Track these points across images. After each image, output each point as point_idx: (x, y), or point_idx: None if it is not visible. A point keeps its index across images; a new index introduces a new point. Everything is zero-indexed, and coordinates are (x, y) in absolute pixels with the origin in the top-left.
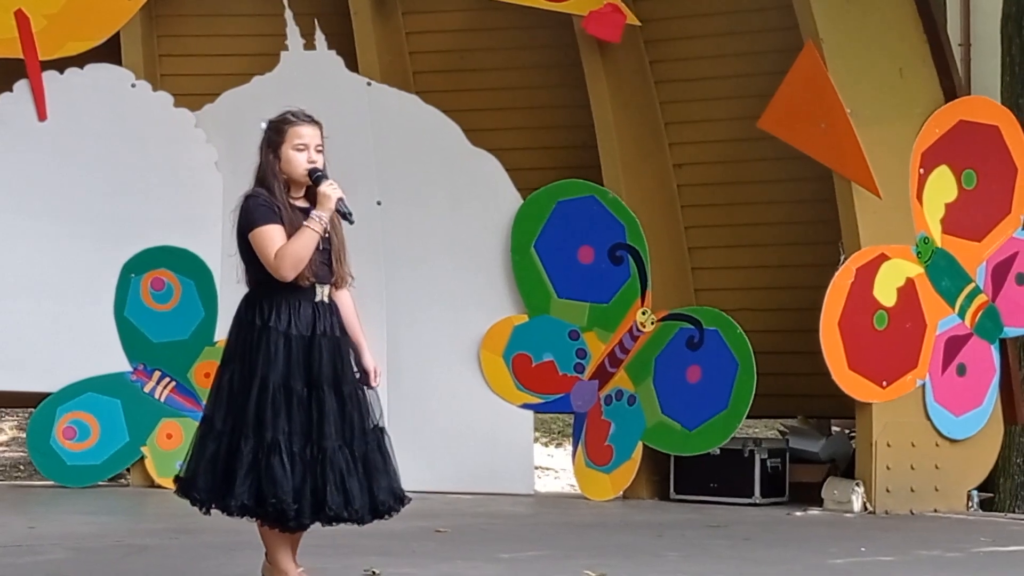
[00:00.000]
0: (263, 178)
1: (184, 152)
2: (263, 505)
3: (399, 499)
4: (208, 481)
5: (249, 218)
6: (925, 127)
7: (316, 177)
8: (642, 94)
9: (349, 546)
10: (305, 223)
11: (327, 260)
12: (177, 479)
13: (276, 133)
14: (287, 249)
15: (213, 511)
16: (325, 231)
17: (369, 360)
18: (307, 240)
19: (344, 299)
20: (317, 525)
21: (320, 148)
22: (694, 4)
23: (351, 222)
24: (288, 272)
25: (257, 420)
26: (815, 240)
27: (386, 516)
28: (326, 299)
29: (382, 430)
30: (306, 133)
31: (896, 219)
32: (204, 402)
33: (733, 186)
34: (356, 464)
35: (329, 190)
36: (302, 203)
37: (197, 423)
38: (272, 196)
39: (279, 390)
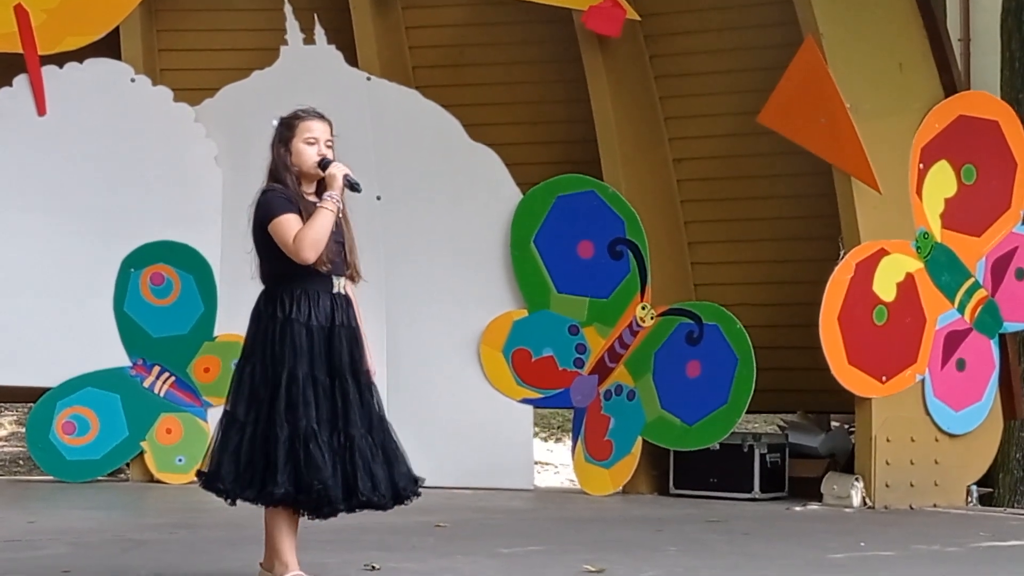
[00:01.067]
0: (275, 173)
1: (183, 147)
2: (305, 491)
3: (415, 482)
4: (233, 472)
5: (267, 209)
6: (925, 122)
7: (325, 164)
8: (642, 89)
9: (349, 541)
10: (319, 204)
11: (342, 252)
12: (200, 473)
13: (287, 128)
14: (305, 231)
15: (240, 502)
16: (339, 211)
17: (368, 358)
18: (324, 220)
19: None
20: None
21: (330, 143)
22: None
23: (359, 190)
24: (309, 253)
25: (289, 410)
26: (815, 235)
27: (406, 501)
28: (343, 290)
29: (385, 420)
30: (316, 128)
31: (896, 214)
32: (204, 397)
33: (733, 181)
34: (377, 451)
35: (335, 170)
36: (313, 198)
37: (198, 418)
38: (287, 189)
39: (307, 380)
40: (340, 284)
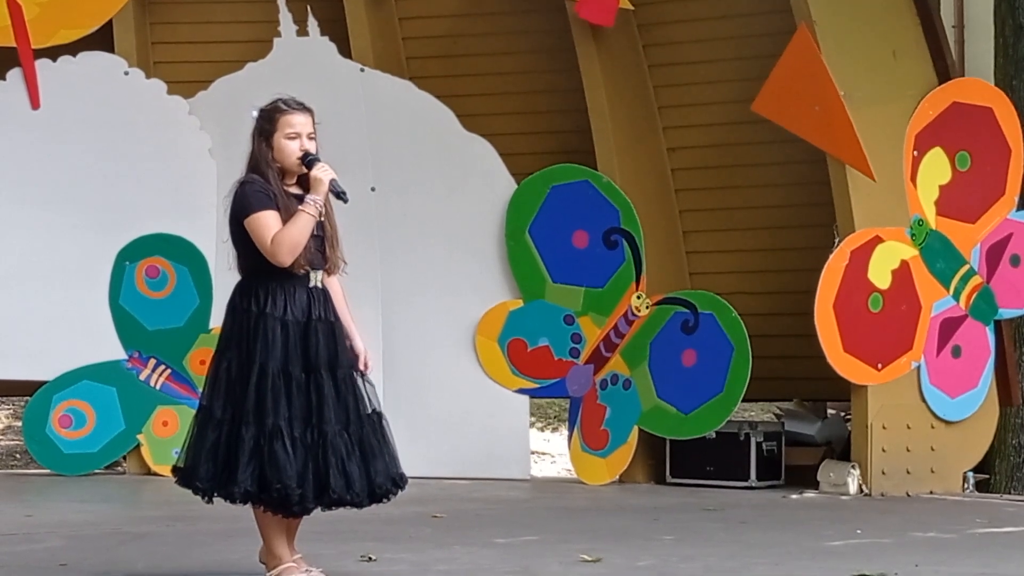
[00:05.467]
0: (256, 166)
1: (178, 139)
2: (267, 491)
3: (396, 482)
4: (209, 470)
5: (244, 204)
6: (919, 109)
7: (308, 161)
8: (635, 78)
9: (346, 532)
10: (300, 207)
11: (320, 247)
12: (176, 469)
13: (267, 122)
14: (284, 234)
15: (216, 499)
16: (320, 214)
17: (359, 346)
18: (303, 224)
19: (333, 286)
20: (315, 511)
21: (312, 136)
22: None
23: (345, 201)
24: (285, 257)
25: (257, 407)
26: (809, 223)
27: (383, 500)
28: (320, 284)
29: (380, 414)
30: (297, 121)
31: (890, 201)
32: (200, 390)
33: (727, 169)
34: (354, 448)
35: (321, 173)
36: (295, 190)
37: (194, 411)
38: (267, 183)
39: (278, 376)
40: (317, 278)
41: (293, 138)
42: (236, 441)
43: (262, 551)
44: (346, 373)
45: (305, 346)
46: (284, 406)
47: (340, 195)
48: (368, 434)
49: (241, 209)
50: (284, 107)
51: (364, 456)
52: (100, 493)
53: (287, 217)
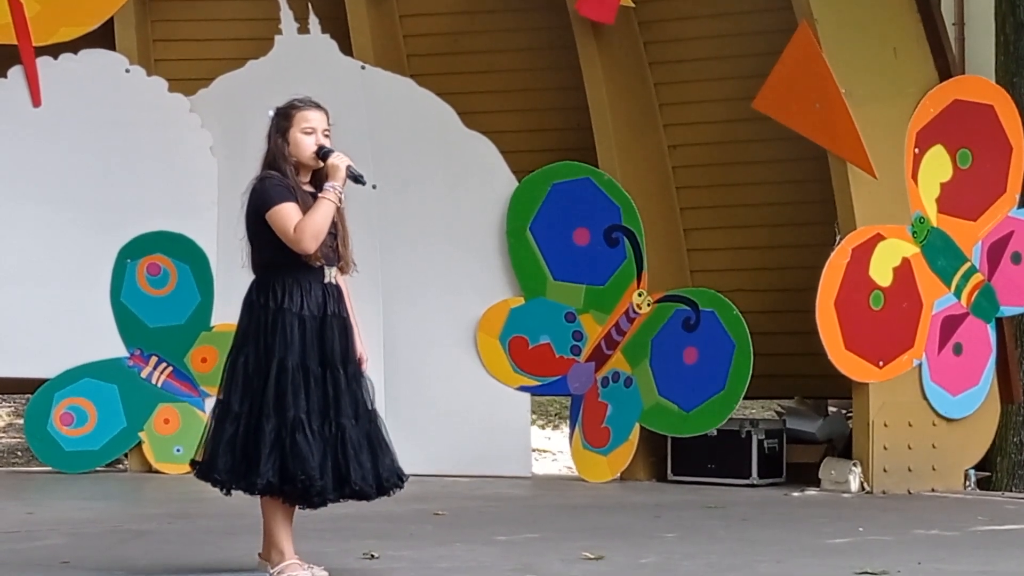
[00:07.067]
0: (273, 163)
1: (179, 137)
2: (289, 482)
3: (400, 477)
4: (228, 462)
5: (265, 198)
6: (920, 107)
7: (323, 154)
8: (636, 75)
9: (347, 529)
10: (321, 194)
11: (334, 244)
12: (194, 463)
13: (284, 119)
14: (307, 221)
15: (234, 492)
16: (340, 200)
17: (359, 346)
18: (325, 210)
19: (342, 286)
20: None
21: (327, 132)
22: None
23: (363, 183)
24: (309, 244)
25: (277, 400)
26: (810, 220)
27: (390, 493)
28: (334, 280)
29: (376, 411)
30: (313, 118)
31: (891, 199)
32: (201, 387)
33: (728, 167)
34: (363, 440)
35: (337, 160)
36: (309, 187)
37: (195, 408)
38: (285, 178)
39: (297, 370)
40: (332, 274)
41: (309, 133)
42: (256, 434)
43: (261, 563)
44: (355, 368)
45: (321, 341)
46: (303, 399)
47: (358, 179)
48: (374, 428)
49: (262, 203)
50: (300, 104)
51: (372, 449)
52: (101, 491)
53: (305, 211)
